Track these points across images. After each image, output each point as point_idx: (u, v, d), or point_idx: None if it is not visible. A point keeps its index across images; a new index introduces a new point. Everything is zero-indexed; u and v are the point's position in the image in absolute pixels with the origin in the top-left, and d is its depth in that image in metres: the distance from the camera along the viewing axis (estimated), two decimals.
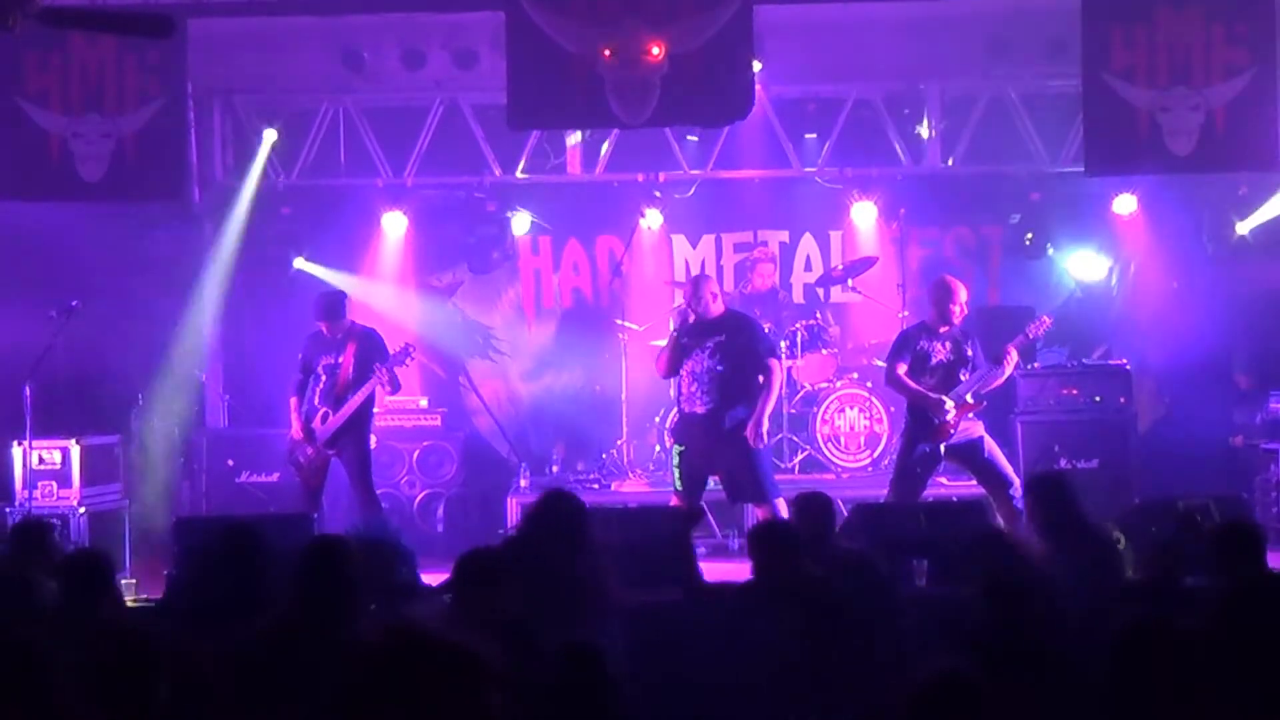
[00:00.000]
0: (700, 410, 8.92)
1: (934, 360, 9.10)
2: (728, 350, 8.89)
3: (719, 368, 8.87)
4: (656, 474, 11.17)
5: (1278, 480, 10.20)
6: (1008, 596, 5.03)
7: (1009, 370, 9.23)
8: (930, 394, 8.98)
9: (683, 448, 9.08)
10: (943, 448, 9.03)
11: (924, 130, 11.85)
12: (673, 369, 9.09)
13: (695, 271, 12.49)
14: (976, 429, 9.15)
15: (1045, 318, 9.50)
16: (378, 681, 2.51)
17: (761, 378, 8.89)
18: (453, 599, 5.34)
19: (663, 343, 11.31)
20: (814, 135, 12.06)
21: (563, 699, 4.18)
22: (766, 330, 9.75)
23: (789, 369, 11.05)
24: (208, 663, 3.96)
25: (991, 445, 9.19)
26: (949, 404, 8.92)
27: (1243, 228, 11.76)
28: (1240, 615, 3.97)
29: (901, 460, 9.25)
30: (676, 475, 9.07)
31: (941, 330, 9.13)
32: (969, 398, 9.01)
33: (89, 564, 5.78)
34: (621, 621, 5.74)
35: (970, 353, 9.15)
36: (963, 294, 9.16)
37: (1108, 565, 6.36)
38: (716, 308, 9.00)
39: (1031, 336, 9.47)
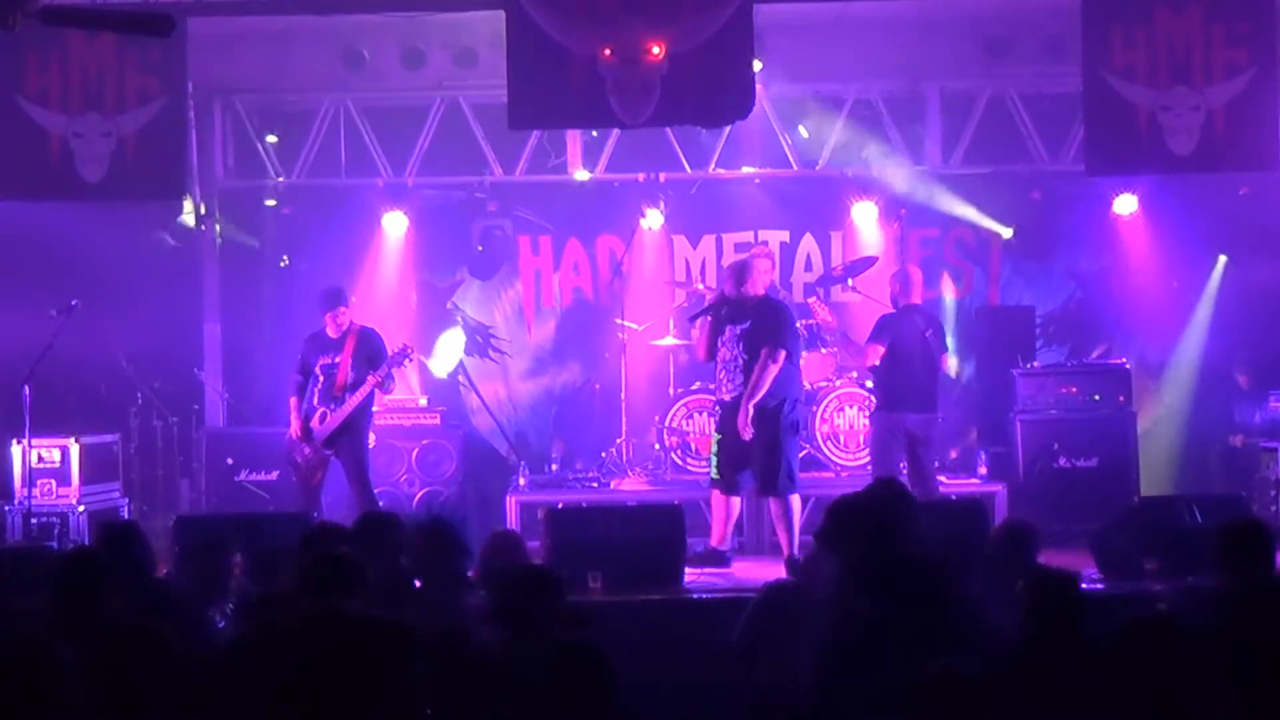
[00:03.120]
0: (728, 398, 8.98)
1: None
2: (751, 338, 8.89)
3: (742, 356, 8.89)
4: (656, 473, 11.17)
5: (1277, 479, 10.19)
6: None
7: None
8: None
9: (720, 435, 9.11)
10: None
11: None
12: (711, 352, 9.13)
13: (695, 271, 12.52)
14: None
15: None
16: (301, 660, 2.54)
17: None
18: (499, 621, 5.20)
19: (664, 342, 11.41)
20: (807, 134, 12.06)
21: (560, 698, 4.17)
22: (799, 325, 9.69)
23: None
24: (203, 659, 3.96)
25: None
26: None
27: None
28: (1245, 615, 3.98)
29: None
30: (714, 464, 9.12)
31: None
32: None
33: (87, 563, 5.77)
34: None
35: None
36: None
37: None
38: (756, 290, 9.02)
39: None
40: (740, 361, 8.89)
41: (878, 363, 9.65)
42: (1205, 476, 11.45)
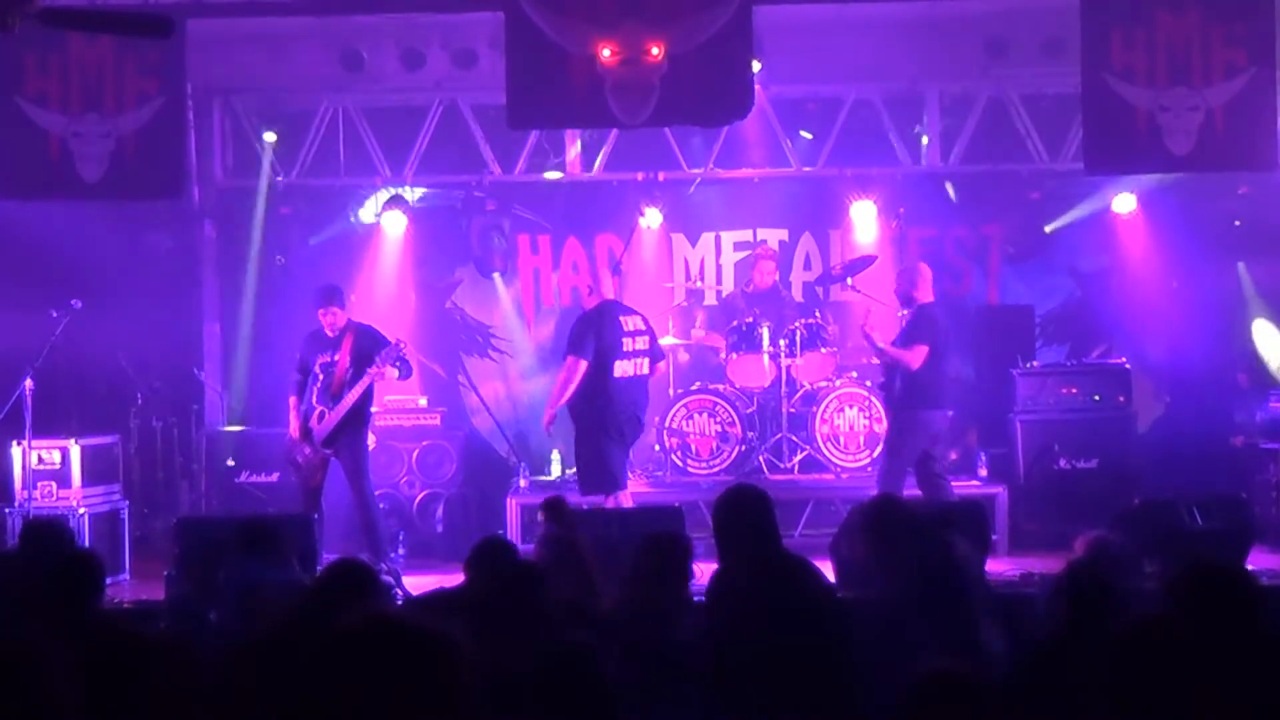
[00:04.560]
0: None
1: None
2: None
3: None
4: (656, 474, 11.18)
5: (1277, 480, 10.19)
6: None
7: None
8: None
9: None
10: None
11: (923, 138, 11.90)
12: None
13: (695, 270, 12.53)
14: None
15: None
16: (352, 667, 2.51)
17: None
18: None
19: (664, 342, 11.41)
20: (810, 136, 12.05)
21: (553, 700, 4.12)
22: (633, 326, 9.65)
23: (788, 367, 11.06)
24: (202, 663, 3.96)
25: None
26: None
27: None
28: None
29: None
30: None
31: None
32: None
33: (81, 564, 5.77)
34: None
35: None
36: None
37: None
38: (588, 303, 9.50)
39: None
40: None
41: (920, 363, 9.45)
42: (1205, 476, 11.43)
